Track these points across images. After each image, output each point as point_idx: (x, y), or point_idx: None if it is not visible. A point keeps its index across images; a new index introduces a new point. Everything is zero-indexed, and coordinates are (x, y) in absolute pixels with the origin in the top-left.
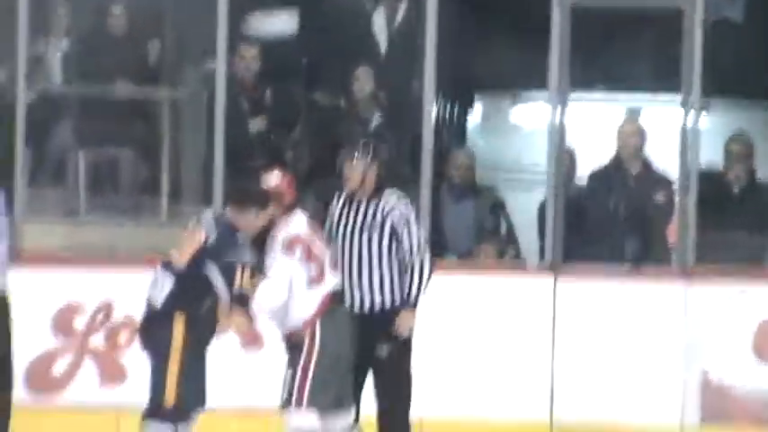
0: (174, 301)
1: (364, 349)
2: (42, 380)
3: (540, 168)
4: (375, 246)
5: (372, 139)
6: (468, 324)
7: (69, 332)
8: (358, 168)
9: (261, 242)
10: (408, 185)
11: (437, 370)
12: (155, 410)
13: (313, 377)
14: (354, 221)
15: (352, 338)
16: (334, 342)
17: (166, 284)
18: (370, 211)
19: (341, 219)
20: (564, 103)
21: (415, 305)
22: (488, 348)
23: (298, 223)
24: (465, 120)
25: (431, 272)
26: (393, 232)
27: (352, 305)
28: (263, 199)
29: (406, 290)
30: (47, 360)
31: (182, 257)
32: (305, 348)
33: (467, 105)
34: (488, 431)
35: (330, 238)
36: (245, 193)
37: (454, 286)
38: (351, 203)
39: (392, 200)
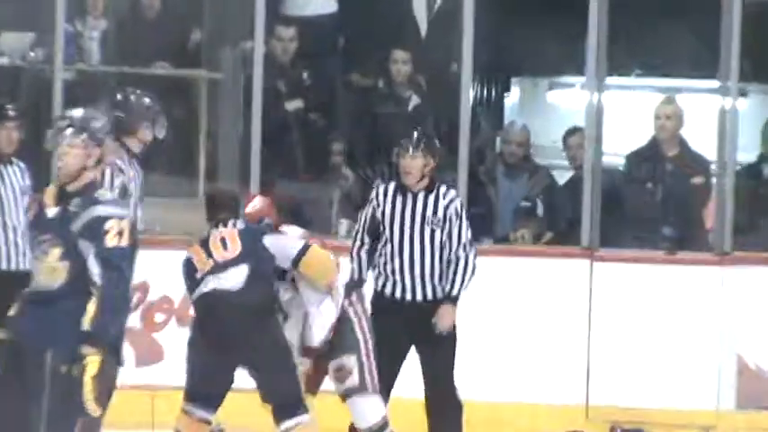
0: None
1: (411, 338)
2: None
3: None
4: (437, 239)
5: (416, 125)
6: (504, 308)
7: None
8: (417, 162)
9: None
10: (445, 168)
11: (473, 354)
12: None
13: (375, 364)
14: (413, 214)
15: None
16: (376, 331)
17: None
18: (430, 205)
19: (395, 210)
20: (601, 88)
21: (456, 300)
22: (525, 332)
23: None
24: (502, 103)
25: (474, 268)
26: (448, 226)
27: (403, 295)
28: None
29: (449, 284)
30: None
31: None
32: (359, 337)
33: (504, 89)
34: (524, 415)
35: (374, 227)
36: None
37: (492, 269)
38: (405, 195)
39: (449, 194)
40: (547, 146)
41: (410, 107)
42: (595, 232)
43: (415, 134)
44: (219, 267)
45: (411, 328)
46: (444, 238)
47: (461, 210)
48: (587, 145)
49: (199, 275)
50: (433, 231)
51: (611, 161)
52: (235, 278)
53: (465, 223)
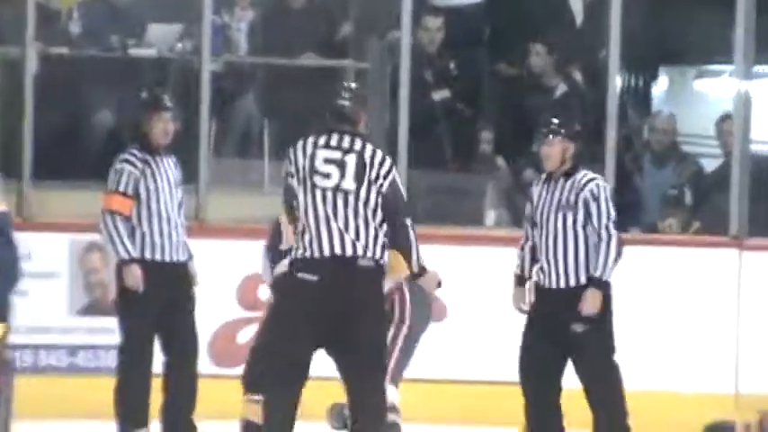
0: None
1: (556, 328)
2: (226, 350)
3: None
4: (569, 223)
5: (561, 112)
6: (652, 297)
7: (253, 303)
8: (555, 148)
9: None
10: (593, 157)
11: (623, 343)
12: None
13: (399, 353)
14: (551, 201)
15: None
16: (415, 323)
17: None
18: (566, 190)
19: (540, 198)
20: (749, 76)
21: (600, 284)
22: (673, 322)
23: None
24: (649, 92)
25: (619, 252)
26: (586, 210)
27: (546, 282)
28: None
29: (593, 269)
30: (231, 330)
31: None
32: (394, 323)
33: (651, 77)
34: (674, 404)
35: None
36: None
37: (639, 259)
38: (549, 182)
39: (586, 177)
40: (694, 134)
41: (557, 95)
42: (744, 221)
43: (553, 119)
44: None
45: (555, 320)
46: (581, 224)
47: (599, 191)
48: (736, 133)
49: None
50: (565, 216)
51: (759, 149)
52: None
53: (604, 205)
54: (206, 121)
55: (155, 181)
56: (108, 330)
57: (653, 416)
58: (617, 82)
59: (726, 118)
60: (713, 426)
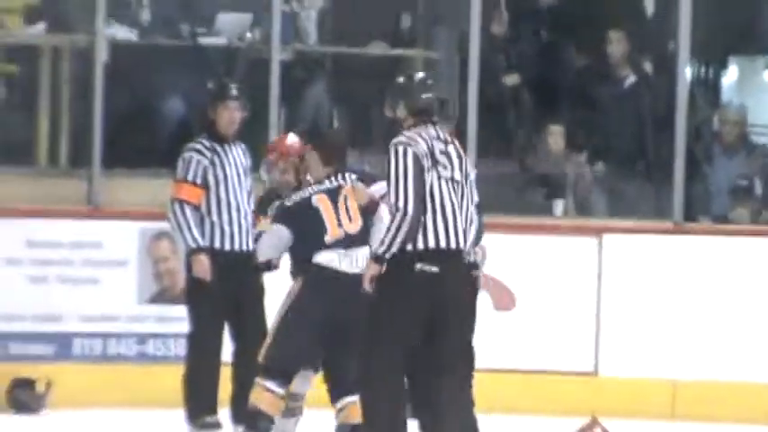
0: None
1: None
2: None
3: None
4: None
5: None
6: (722, 287)
7: None
8: None
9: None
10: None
11: (689, 333)
12: None
13: None
14: None
15: None
16: None
17: None
18: None
19: None
20: None
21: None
22: (742, 311)
23: None
24: (719, 82)
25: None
26: None
27: None
28: None
29: None
30: None
31: None
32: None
33: (721, 68)
34: (739, 393)
35: None
36: None
37: (709, 249)
38: None
39: None
40: (764, 124)
41: (626, 86)
42: None
43: None
44: (347, 242)
45: None
46: None
47: None
48: None
49: (328, 240)
50: None
51: None
52: (361, 261)
53: None
54: (275, 110)
55: (223, 170)
56: (177, 319)
57: (726, 405)
58: (687, 72)
59: None
60: None
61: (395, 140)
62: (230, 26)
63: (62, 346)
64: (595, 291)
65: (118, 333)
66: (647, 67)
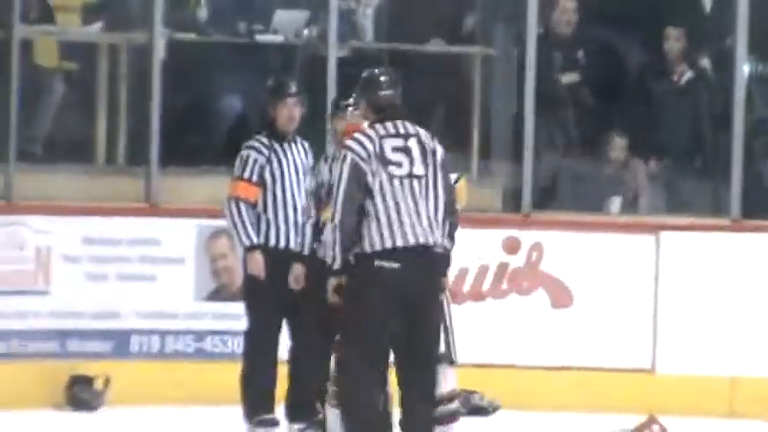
0: None
1: None
2: None
3: None
4: None
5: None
6: None
7: None
8: None
9: None
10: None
11: (746, 329)
12: None
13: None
14: None
15: None
16: None
17: None
18: None
19: None
20: None
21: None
22: None
23: None
24: None
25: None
26: None
27: None
28: None
29: None
30: None
31: None
32: (446, 304)
33: None
34: None
35: None
36: None
37: (766, 245)
38: None
39: None
40: None
41: (683, 82)
42: None
43: None
44: None
45: None
46: None
47: None
48: None
49: None
50: None
51: None
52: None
53: None
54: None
55: (281, 168)
56: (235, 316)
57: None
58: (744, 69)
59: None
60: None
61: (344, 143)
62: (287, 23)
63: (120, 343)
64: (652, 288)
65: (176, 330)
66: (705, 63)
